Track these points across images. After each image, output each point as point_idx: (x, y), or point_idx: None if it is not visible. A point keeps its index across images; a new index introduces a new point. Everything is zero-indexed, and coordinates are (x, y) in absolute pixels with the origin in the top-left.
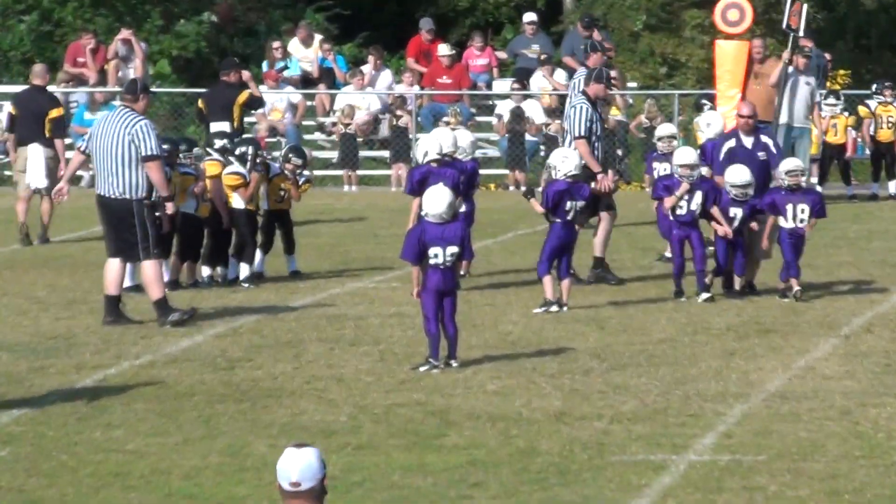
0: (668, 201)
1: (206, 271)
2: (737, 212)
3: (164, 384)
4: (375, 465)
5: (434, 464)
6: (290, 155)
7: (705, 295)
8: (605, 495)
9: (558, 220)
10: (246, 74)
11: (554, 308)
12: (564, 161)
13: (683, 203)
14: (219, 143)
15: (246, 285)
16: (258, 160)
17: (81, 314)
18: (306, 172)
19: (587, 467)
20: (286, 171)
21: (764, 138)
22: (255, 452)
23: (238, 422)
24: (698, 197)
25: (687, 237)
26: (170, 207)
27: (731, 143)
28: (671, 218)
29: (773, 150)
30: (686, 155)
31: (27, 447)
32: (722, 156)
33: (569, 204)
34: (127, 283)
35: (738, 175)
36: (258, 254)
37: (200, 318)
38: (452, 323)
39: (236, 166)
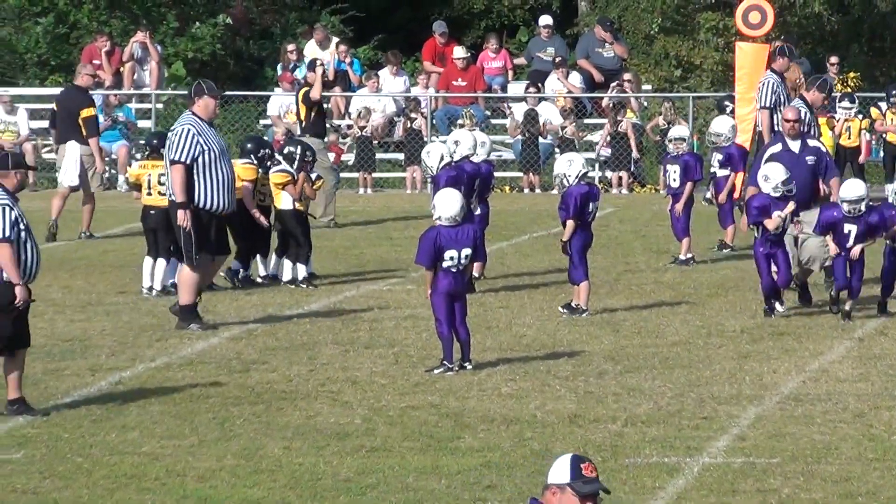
0: (771, 223)
1: (234, 265)
2: (851, 228)
3: (180, 386)
4: (390, 467)
5: (448, 466)
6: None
7: (780, 309)
8: (619, 498)
9: (580, 224)
10: (311, 75)
11: (585, 315)
12: (571, 165)
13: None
14: (261, 151)
15: (304, 286)
16: (305, 160)
17: (97, 316)
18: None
19: (601, 470)
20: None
21: (813, 143)
22: (270, 454)
23: (253, 424)
24: (789, 209)
25: (773, 255)
26: (182, 216)
27: (776, 147)
28: (758, 237)
29: (826, 157)
30: (854, 189)
31: (42, 449)
32: (764, 160)
33: (591, 206)
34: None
35: (851, 190)
36: (273, 257)
37: (216, 321)
38: (464, 326)
39: (284, 165)
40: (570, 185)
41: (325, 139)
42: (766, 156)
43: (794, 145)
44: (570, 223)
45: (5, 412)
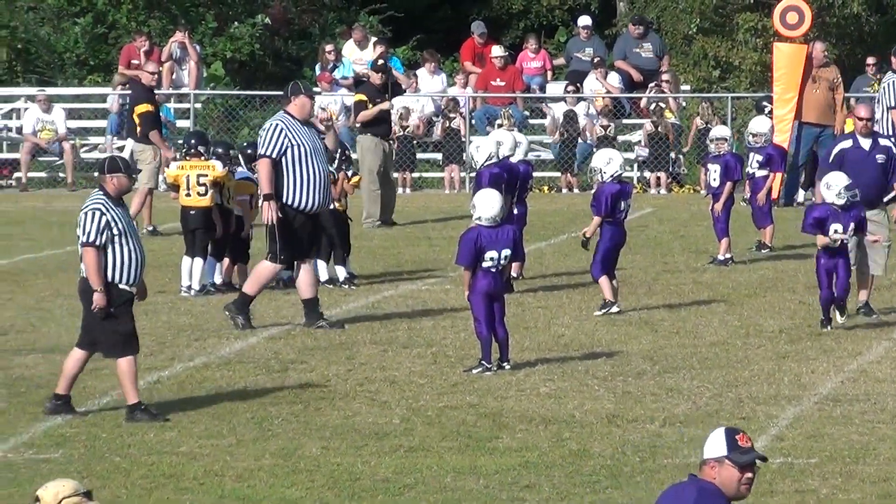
0: (821, 241)
1: (284, 273)
2: (838, 227)
3: (218, 386)
4: (428, 467)
5: (486, 466)
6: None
7: (841, 319)
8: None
9: (611, 221)
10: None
11: (615, 309)
12: (610, 163)
13: (838, 236)
14: None
15: (346, 286)
16: (343, 159)
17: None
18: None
19: (639, 470)
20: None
21: (884, 141)
22: (308, 454)
23: (291, 424)
24: (851, 226)
25: (834, 267)
26: (266, 209)
27: (847, 143)
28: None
29: None
30: (838, 178)
31: (80, 449)
32: (832, 157)
33: (622, 204)
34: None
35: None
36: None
37: (254, 322)
38: (503, 326)
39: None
40: (603, 181)
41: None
42: (835, 150)
43: (865, 143)
44: (596, 220)
45: (128, 419)
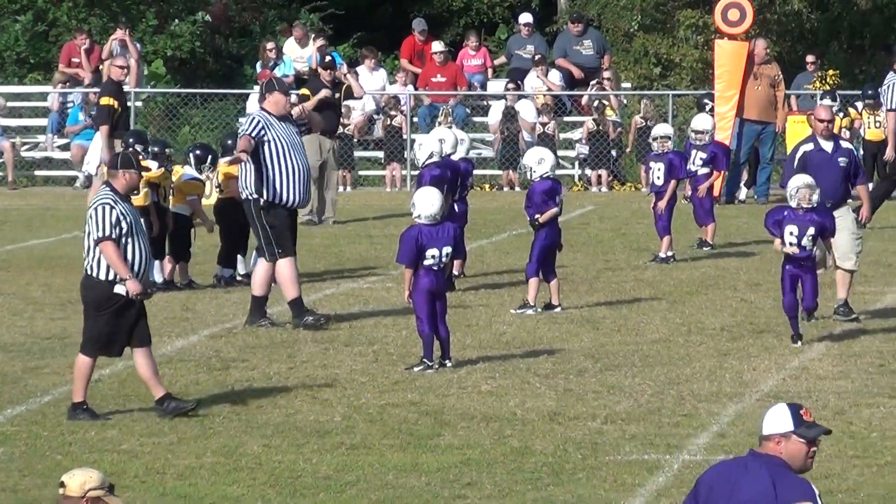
0: (777, 244)
1: (219, 271)
2: (793, 228)
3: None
4: (370, 464)
5: (428, 463)
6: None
7: (808, 321)
8: (599, 495)
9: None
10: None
11: (530, 311)
12: (541, 163)
13: (794, 238)
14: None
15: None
16: None
17: (76, 314)
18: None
19: (581, 467)
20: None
21: (846, 144)
22: (250, 452)
23: (232, 422)
24: (811, 231)
25: (799, 276)
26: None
27: (808, 146)
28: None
29: (857, 160)
30: (801, 178)
31: (22, 447)
32: (795, 162)
33: (557, 199)
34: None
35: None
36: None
37: (195, 320)
38: (444, 324)
39: None
40: (532, 180)
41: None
42: (798, 154)
43: (827, 145)
44: (553, 210)
45: (161, 414)
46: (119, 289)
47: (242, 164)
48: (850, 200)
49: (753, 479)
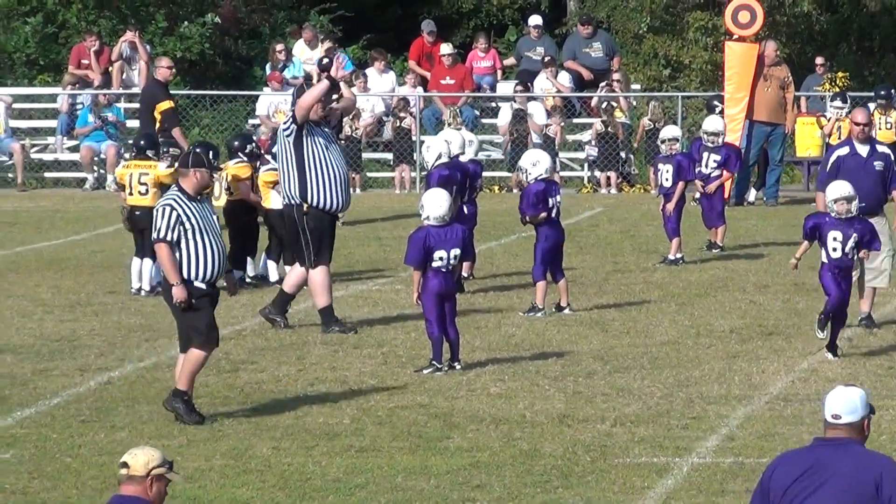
0: (802, 248)
1: (235, 274)
2: (837, 234)
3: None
4: (378, 467)
5: (437, 466)
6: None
7: (821, 335)
8: (608, 498)
9: (545, 222)
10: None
11: (539, 314)
12: (536, 165)
13: (838, 245)
14: (246, 145)
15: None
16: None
17: (85, 316)
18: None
19: (590, 470)
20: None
21: (882, 148)
22: (259, 455)
23: (241, 424)
24: (854, 238)
25: (836, 280)
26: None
27: (844, 150)
28: (824, 260)
29: (894, 164)
30: (839, 188)
31: (31, 449)
32: (829, 166)
33: (550, 201)
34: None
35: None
36: (262, 257)
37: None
38: (454, 326)
39: (273, 164)
40: (528, 182)
41: None
42: (832, 158)
43: (863, 149)
44: (543, 214)
45: (167, 406)
46: (199, 284)
47: (283, 169)
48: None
49: (856, 459)
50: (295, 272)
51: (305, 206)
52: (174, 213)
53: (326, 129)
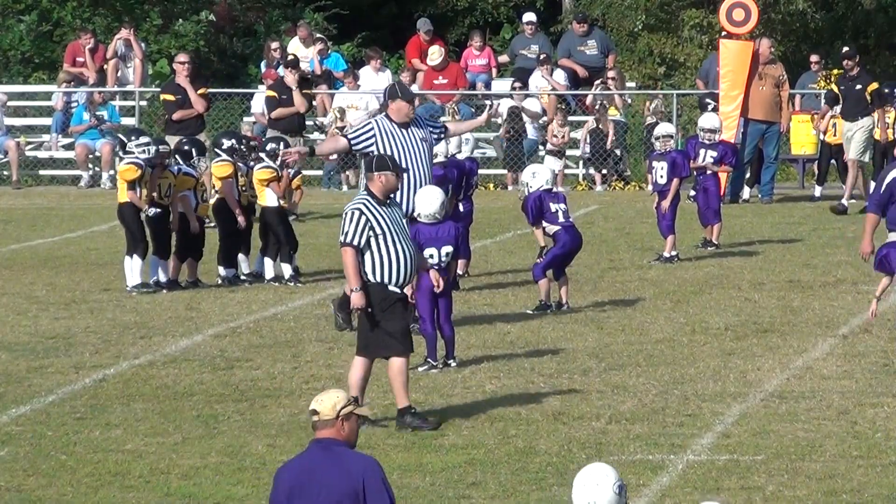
0: (884, 282)
1: (221, 270)
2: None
3: (163, 384)
4: None
5: (432, 463)
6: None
7: None
8: None
9: (560, 229)
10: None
11: (549, 311)
12: (535, 177)
13: None
14: (227, 143)
15: (290, 283)
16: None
17: (80, 314)
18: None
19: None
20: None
21: None
22: (254, 452)
23: (237, 422)
24: None
25: None
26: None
27: None
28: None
29: None
30: None
31: (26, 447)
32: (884, 186)
33: (553, 206)
34: (135, 279)
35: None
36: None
37: (200, 319)
38: (449, 324)
39: (268, 162)
40: (529, 194)
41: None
42: (888, 179)
43: None
44: (536, 231)
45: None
46: (392, 288)
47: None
48: None
49: None
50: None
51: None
52: (363, 218)
53: (414, 130)
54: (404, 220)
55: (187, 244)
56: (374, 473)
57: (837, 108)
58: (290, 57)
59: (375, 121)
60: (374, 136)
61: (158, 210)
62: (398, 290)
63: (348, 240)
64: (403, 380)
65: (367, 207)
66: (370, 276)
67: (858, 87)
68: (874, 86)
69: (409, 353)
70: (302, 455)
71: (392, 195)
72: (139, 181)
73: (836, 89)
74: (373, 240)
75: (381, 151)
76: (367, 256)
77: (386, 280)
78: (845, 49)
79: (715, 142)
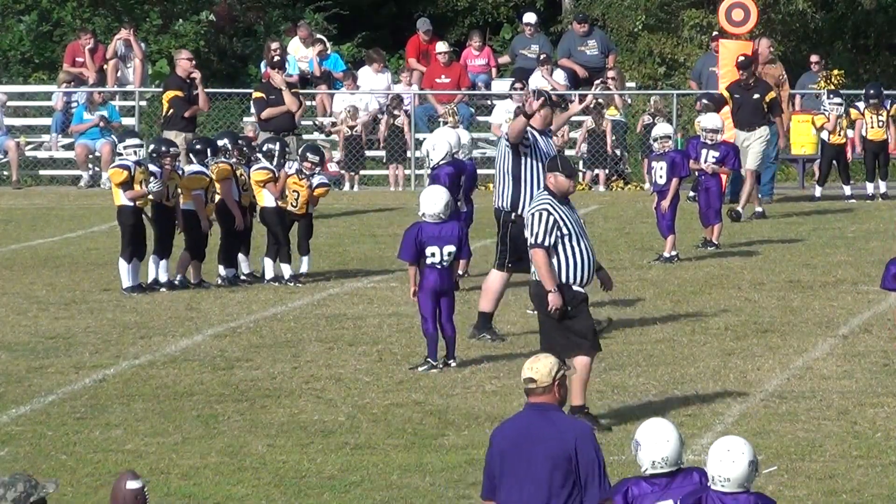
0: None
1: (221, 270)
2: None
3: (163, 384)
4: (374, 464)
5: (432, 463)
6: (307, 153)
7: None
8: None
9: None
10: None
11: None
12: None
13: None
14: (219, 143)
15: (291, 284)
16: (284, 157)
17: (80, 314)
18: (329, 169)
19: None
20: (304, 170)
21: None
22: (254, 452)
23: (237, 421)
24: None
25: None
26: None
27: None
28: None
29: None
30: None
31: (26, 447)
32: None
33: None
34: (127, 282)
35: None
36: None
37: (200, 319)
38: (450, 323)
39: (264, 162)
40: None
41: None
42: None
43: None
44: None
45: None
46: (577, 288)
47: (499, 174)
48: None
49: None
50: (491, 286)
51: (514, 215)
52: (551, 218)
53: (550, 138)
54: (582, 220)
55: (199, 243)
56: (587, 438)
57: (841, 109)
58: (275, 58)
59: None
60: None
61: (161, 189)
62: (581, 290)
63: (539, 241)
64: (585, 378)
65: (553, 207)
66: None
67: (756, 96)
68: (772, 95)
69: (596, 353)
70: (517, 417)
71: (568, 196)
72: (131, 182)
73: (727, 96)
74: (559, 240)
75: (529, 160)
76: (553, 258)
77: (571, 280)
78: (741, 58)
79: (717, 142)
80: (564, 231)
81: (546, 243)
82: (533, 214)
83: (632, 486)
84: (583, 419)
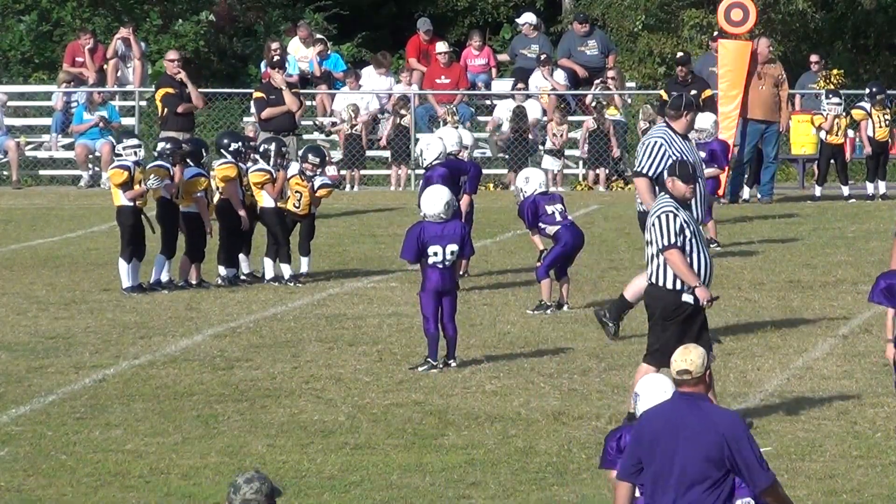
0: (889, 328)
1: (222, 270)
2: None
3: (163, 384)
4: (374, 464)
5: (432, 463)
6: (308, 154)
7: None
8: (603, 495)
9: (560, 228)
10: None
11: (549, 311)
12: (528, 181)
13: None
14: (233, 145)
15: (291, 284)
16: (280, 156)
17: (80, 314)
18: (327, 172)
19: (585, 467)
20: (305, 171)
21: None
22: (254, 452)
23: (236, 421)
24: None
25: None
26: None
27: None
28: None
29: None
30: None
31: (26, 447)
32: None
33: (548, 208)
34: (127, 282)
35: None
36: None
37: (200, 319)
38: (452, 323)
39: (261, 163)
40: (524, 199)
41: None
42: None
43: None
44: (534, 238)
45: None
46: (686, 297)
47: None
48: None
49: None
50: (638, 282)
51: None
52: (677, 219)
53: (688, 141)
54: (700, 227)
55: (198, 245)
56: (737, 426)
57: (839, 109)
58: (275, 58)
59: (661, 136)
60: (665, 152)
61: (165, 182)
62: (692, 300)
63: (672, 241)
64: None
65: (677, 210)
66: (670, 283)
67: (693, 93)
68: (708, 93)
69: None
70: (667, 405)
71: (688, 201)
72: (131, 182)
73: (664, 95)
74: (685, 242)
75: (668, 156)
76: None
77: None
78: (679, 55)
79: (706, 141)
80: (688, 233)
81: (679, 244)
82: (660, 217)
83: (625, 433)
84: (731, 410)
